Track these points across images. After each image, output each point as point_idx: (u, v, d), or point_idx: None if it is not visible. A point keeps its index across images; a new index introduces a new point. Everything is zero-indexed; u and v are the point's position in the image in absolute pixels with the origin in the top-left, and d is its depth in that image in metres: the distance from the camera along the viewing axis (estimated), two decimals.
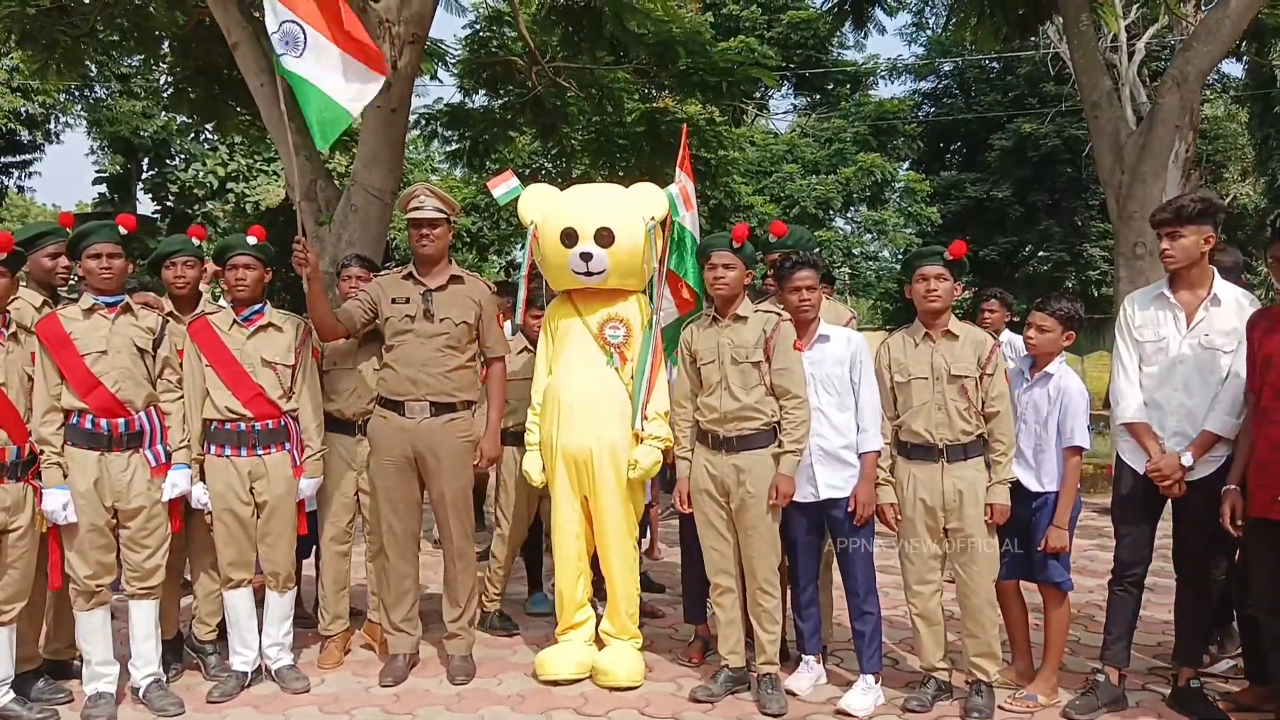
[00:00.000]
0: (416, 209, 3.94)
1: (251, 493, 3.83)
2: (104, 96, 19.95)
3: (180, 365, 3.82)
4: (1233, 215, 20.40)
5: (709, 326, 3.82)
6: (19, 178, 21.75)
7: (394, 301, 3.98)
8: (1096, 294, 22.04)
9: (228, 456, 3.81)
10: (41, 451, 3.51)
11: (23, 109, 19.25)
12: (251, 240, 3.92)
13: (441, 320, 3.94)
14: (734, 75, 9.62)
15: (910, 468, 3.67)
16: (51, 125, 20.90)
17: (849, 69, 23.04)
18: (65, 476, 3.50)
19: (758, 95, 19.42)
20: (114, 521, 3.61)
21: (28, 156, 21.33)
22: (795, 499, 3.70)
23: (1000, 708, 3.64)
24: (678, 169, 4.62)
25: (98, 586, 3.57)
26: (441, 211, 3.96)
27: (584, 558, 4.11)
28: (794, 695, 3.79)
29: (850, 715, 3.61)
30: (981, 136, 23.39)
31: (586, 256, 3.96)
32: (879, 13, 11.58)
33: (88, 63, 8.83)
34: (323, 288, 3.93)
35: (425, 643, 4.25)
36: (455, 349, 3.97)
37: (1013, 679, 3.83)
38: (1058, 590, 3.71)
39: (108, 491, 3.55)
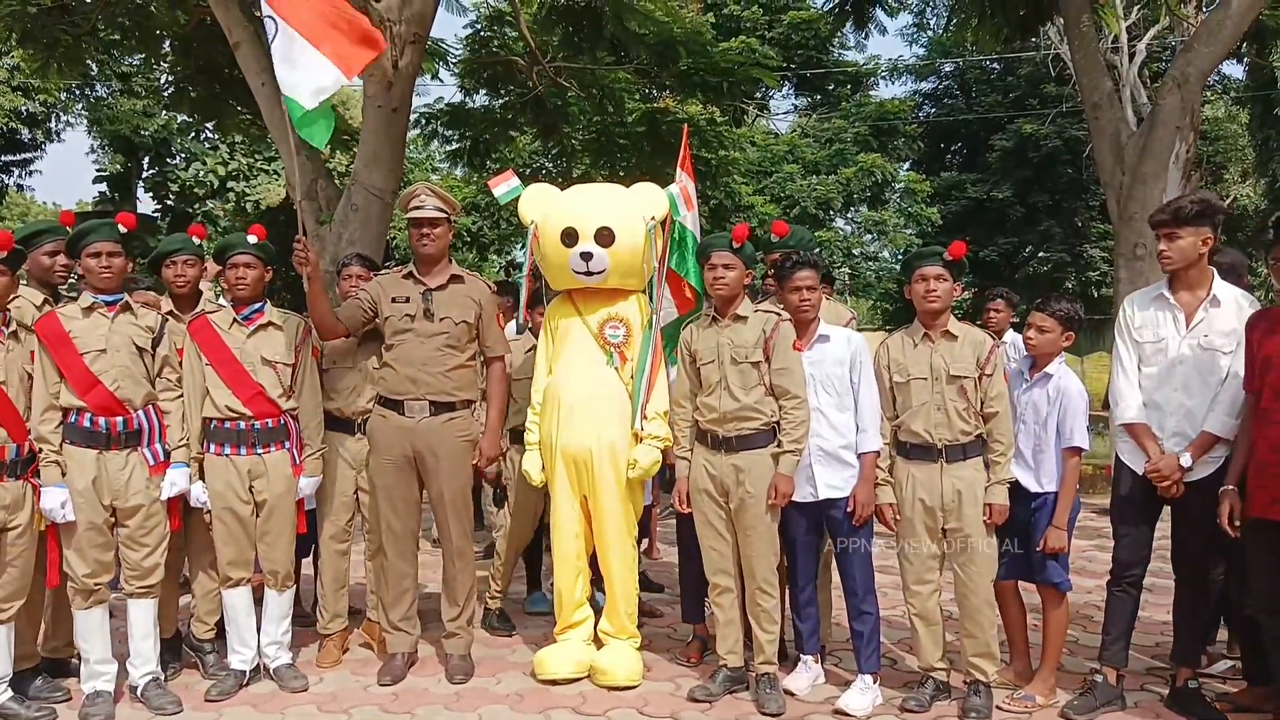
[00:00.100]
0: (417, 208, 3.94)
1: (251, 491, 3.84)
2: (105, 95, 19.96)
3: (180, 364, 3.82)
4: (1233, 216, 20.40)
5: (708, 326, 3.82)
6: (19, 176, 21.76)
7: (394, 300, 3.98)
8: (1096, 295, 22.04)
9: (227, 455, 3.81)
10: (40, 450, 3.51)
11: (23, 107, 19.25)
12: (252, 239, 3.92)
13: (441, 319, 3.95)
14: (735, 75, 9.62)
15: (909, 468, 3.67)
16: (52, 124, 20.90)
17: (850, 69, 23.03)
18: (64, 475, 3.50)
19: (758, 95, 19.44)
20: (112, 520, 3.61)
21: (28, 155, 21.33)
22: (794, 499, 3.70)
23: (998, 708, 3.64)
24: (678, 169, 4.62)
25: (96, 585, 3.57)
26: (442, 211, 3.96)
27: (583, 557, 4.11)
28: (792, 695, 3.79)
29: (848, 715, 3.62)
30: (982, 137, 23.39)
31: (587, 256, 3.97)
32: (880, 13, 11.56)
33: (89, 61, 8.84)
34: (323, 287, 3.93)
35: (424, 642, 4.25)
36: (455, 348, 3.97)
37: (1011, 679, 3.83)
38: (1056, 591, 3.72)
39: (106, 490, 3.56)
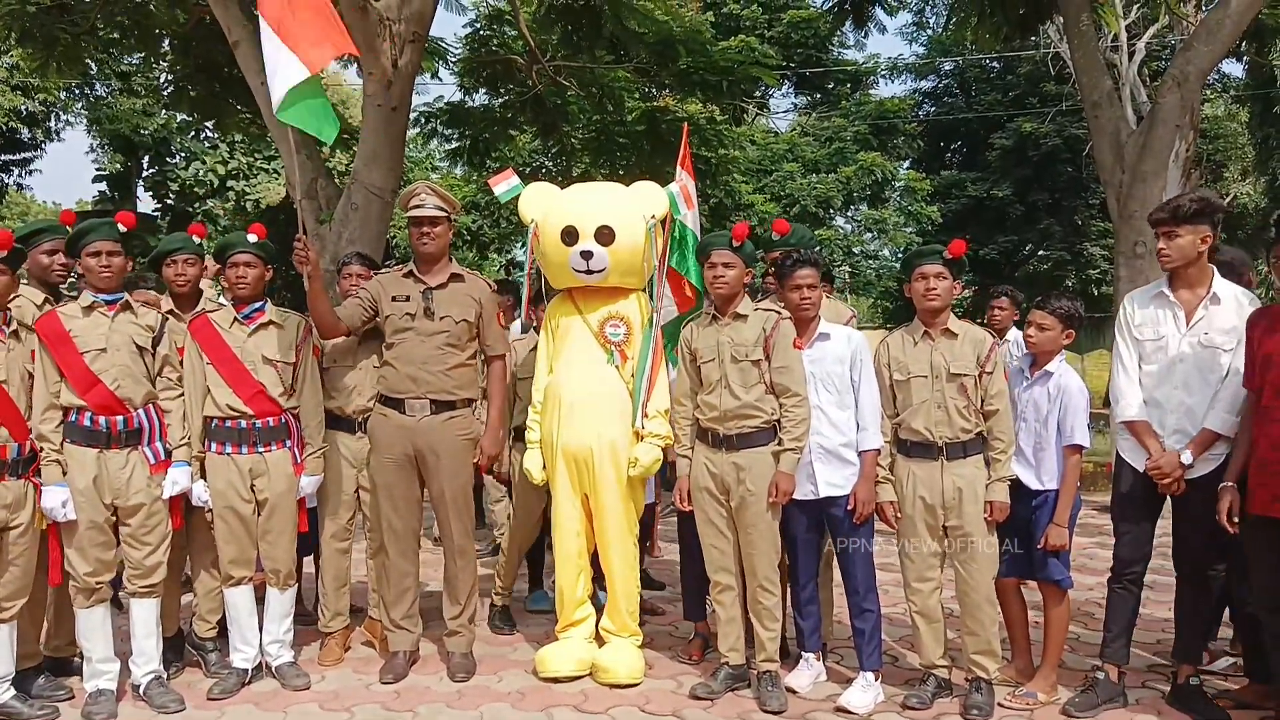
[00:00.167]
0: (417, 207, 3.94)
1: (252, 490, 3.84)
2: (104, 94, 19.94)
3: (180, 363, 3.82)
4: (1232, 215, 20.40)
5: (709, 325, 3.83)
6: (19, 175, 21.73)
7: (394, 299, 3.98)
8: (1096, 293, 22.04)
9: (228, 454, 3.81)
10: (41, 449, 3.51)
11: (23, 107, 19.23)
12: (252, 238, 3.92)
13: (442, 318, 3.95)
14: (734, 74, 9.63)
15: (910, 466, 3.67)
16: (52, 123, 20.87)
17: (849, 68, 23.00)
18: (64, 474, 3.51)
19: (758, 94, 19.40)
20: (113, 519, 3.62)
21: (28, 154, 21.31)
22: (795, 497, 3.70)
23: (1000, 705, 3.64)
24: (678, 167, 4.63)
25: (97, 584, 3.57)
26: (442, 209, 3.96)
27: (584, 555, 4.11)
28: (794, 692, 3.79)
29: (850, 712, 3.62)
30: (982, 136, 23.37)
31: (587, 255, 3.97)
32: (879, 12, 11.58)
33: (88, 60, 8.85)
34: (323, 286, 3.93)
35: (425, 640, 4.26)
36: (455, 347, 3.97)
37: (1012, 676, 3.83)
38: (1057, 588, 3.72)
39: (107, 489, 3.56)
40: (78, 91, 19.68)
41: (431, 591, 4.74)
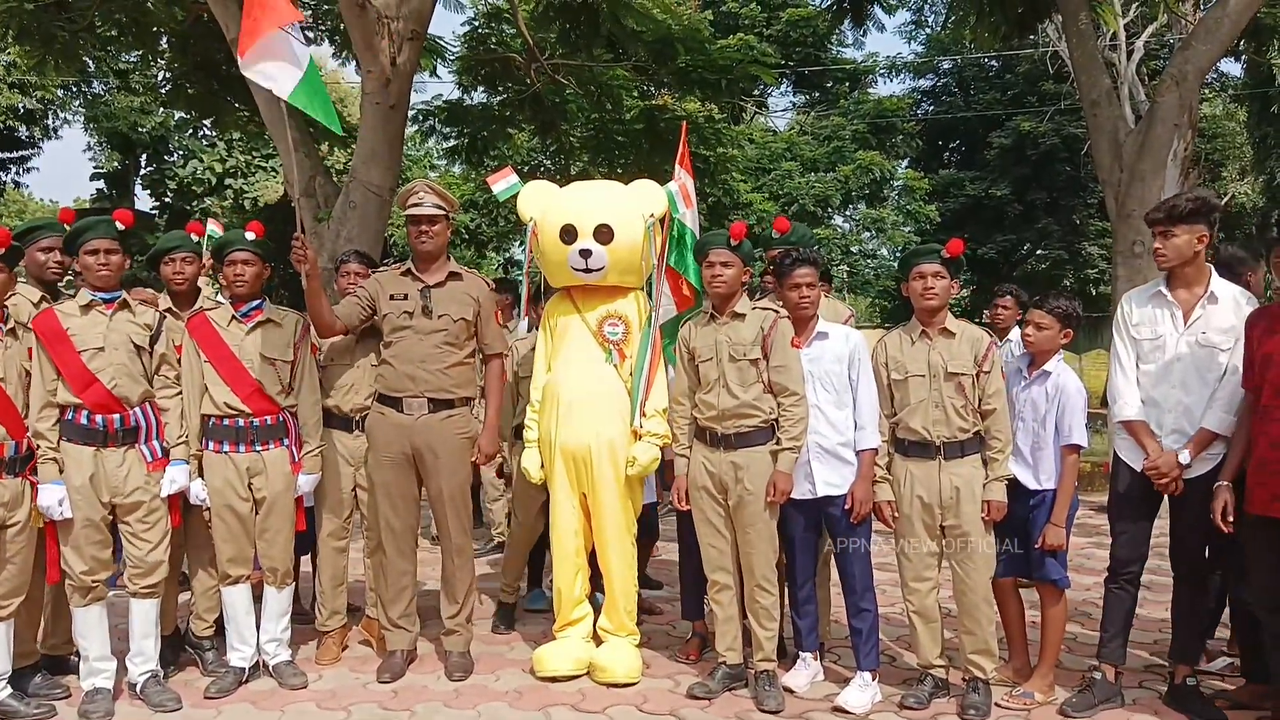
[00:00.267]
0: (415, 205, 3.94)
1: (250, 489, 3.83)
2: (102, 92, 19.92)
3: (178, 361, 3.82)
4: (1231, 214, 20.42)
5: (707, 324, 3.82)
6: (16, 173, 21.73)
7: (392, 298, 3.98)
8: (1094, 292, 22.05)
9: (226, 452, 3.81)
10: (37, 446, 3.50)
11: (21, 104, 19.22)
12: (250, 236, 3.92)
13: (440, 317, 3.94)
14: (733, 73, 9.61)
15: (907, 465, 3.67)
16: (49, 121, 20.86)
17: (848, 67, 23.01)
18: (61, 472, 3.50)
19: (757, 93, 19.41)
20: (110, 517, 3.61)
21: (26, 152, 21.30)
22: (793, 496, 3.70)
23: (997, 705, 3.64)
24: (677, 166, 4.61)
25: (94, 582, 3.56)
26: (440, 208, 3.96)
27: (582, 554, 4.11)
28: (791, 692, 3.79)
29: (847, 712, 3.62)
30: (980, 135, 23.37)
31: (586, 253, 3.96)
32: (878, 10, 11.57)
33: (85, 58, 8.82)
34: (321, 284, 3.93)
35: (423, 639, 4.25)
36: (453, 345, 3.96)
37: (1009, 676, 3.83)
38: (1055, 588, 3.72)
39: (104, 487, 3.55)
40: (75, 89, 19.67)
41: (429, 590, 4.74)
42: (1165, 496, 3.57)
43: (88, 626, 3.59)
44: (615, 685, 3.87)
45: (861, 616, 3.75)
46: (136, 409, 3.63)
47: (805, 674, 3.88)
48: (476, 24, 10.09)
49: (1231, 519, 3.30)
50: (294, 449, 3.92)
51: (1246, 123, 20.03)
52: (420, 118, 10.80)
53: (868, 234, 22.34)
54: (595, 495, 3.98)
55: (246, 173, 19.57)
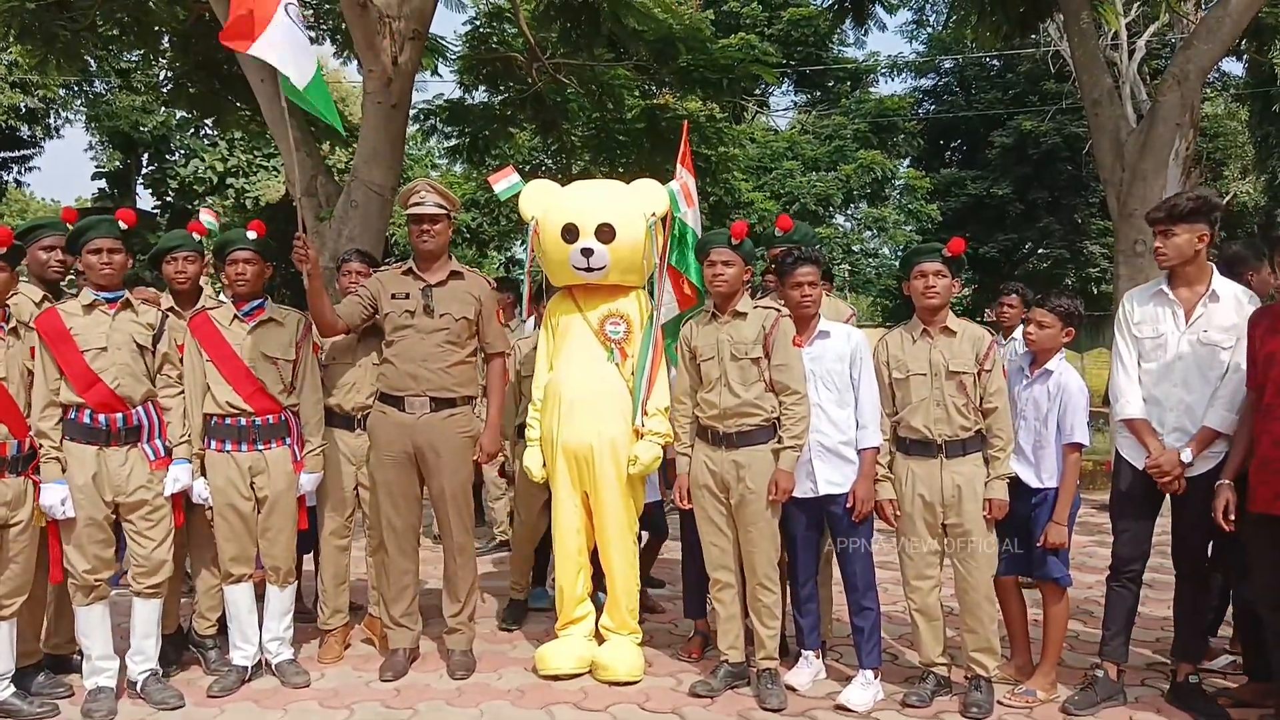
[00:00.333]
0: (417, 204, 3.94)
1: (252, 488, 3.84)
2: (103, 91, 19.93)
3: (180, 360, 3.82)
4: (1232, 213, 20.41)
5: (708, 323, 3.83)
6: (18, 172, 21.75)
7: (394, 297, 3.98)
8: (1096, 291, 22.05)
9: (228, 451, 3.81)
10: (40, 446, 3.51)
11: (22, 104, 19.23)
12: (251, 235, 3.92)
13: (441, 316, 3.94)
14: (734, 72, 9.62)
15: (909, 464, 3.68)
16: (51, 120, 20.88)
17: (849, 66, 22.99)
18: (64, 471, 3.51)
19: (758, 92, 19.39)
20: (113, 516, 3.62)
21: (27, 151, 21.32)
22: (794, 495, 3.70)
23: (999, 703, 3.64)
24: (678, 165, 4.62)
25: (96, 581, 3.57)
26: (442, 207, 3.96)
27: (584, 553, 4.11)
28: (793, 690, 3.80)
29: (850, 710, 3.62)
30: (982, 134, 23.37)
31: (587, 252, 3.96)
32: (879, 10, 11.55)
33: (87, 57, 8.83)
34: (323, 283, 3.92)
35: (425, 638, 4.26)
36: (455, 344, 3.97)
37: (1011, 674, 3.83)
38: (1057, 586, 3.72)
39: (107, 486, 3.56)
40: (77, 88, 19.68)
41: (431, 589, 4.74)
42: (1167, 495, 3.57)
43: (90, 625, 3.59)
44: (617, 684, 3.88)
45: (863, 615, 3.75)
46: (139, 408, 3.64)
47: (807, 672, 3.89)
48: (478, 23, 10.10)
49: (1233, 517, 3.30)
50: (296, 448, 3.92)
51: (1248, 122, 20.03)
52: (422, 117, 10.82)
53: (869, 233, 22.35)
54: (597, 494, 3.98)
55: (248, 172, 19.59)
